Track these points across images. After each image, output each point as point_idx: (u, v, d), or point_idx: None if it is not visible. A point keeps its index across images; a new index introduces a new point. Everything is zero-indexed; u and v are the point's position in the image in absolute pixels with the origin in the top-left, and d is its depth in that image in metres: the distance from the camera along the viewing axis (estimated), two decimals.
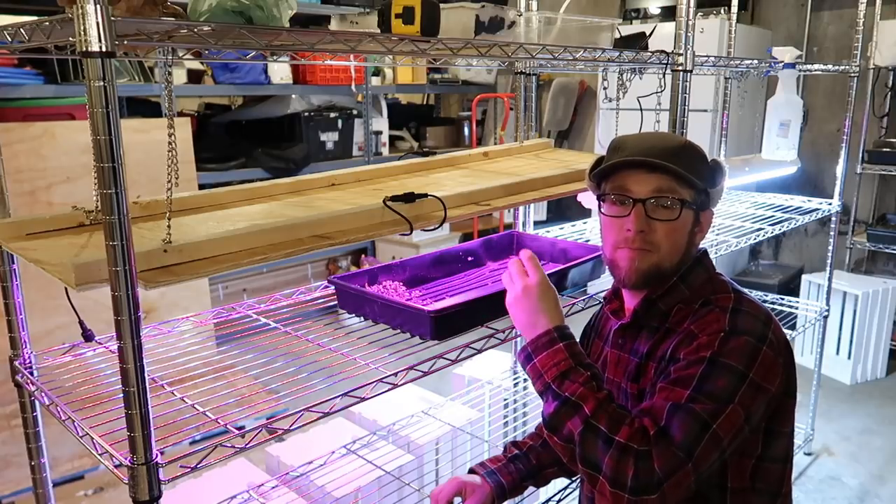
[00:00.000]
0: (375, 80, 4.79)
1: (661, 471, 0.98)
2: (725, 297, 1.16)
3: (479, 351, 1.30)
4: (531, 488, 1.46)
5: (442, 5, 1.26)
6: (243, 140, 4.36)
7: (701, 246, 1.25)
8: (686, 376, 1.05)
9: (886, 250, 4.03)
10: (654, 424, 1.02)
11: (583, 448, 1.02)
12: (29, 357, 1.32)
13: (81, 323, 1.29)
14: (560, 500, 1.71)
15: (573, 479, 1.56)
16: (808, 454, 3.03)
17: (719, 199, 1.25)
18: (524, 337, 1.17)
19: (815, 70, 2.84)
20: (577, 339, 1.38)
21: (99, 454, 1.00)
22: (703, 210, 1.21)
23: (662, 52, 1.62)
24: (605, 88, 2.00)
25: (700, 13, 4.17)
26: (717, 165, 1.22)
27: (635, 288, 1.21)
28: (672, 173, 1.14)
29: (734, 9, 3.04)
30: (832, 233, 2.95)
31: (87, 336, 1.32)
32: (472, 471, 1.42)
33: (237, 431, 1.00)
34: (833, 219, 2.92)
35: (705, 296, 1.18)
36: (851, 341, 3.72)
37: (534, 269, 1.18)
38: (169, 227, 1.02)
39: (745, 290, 1.21)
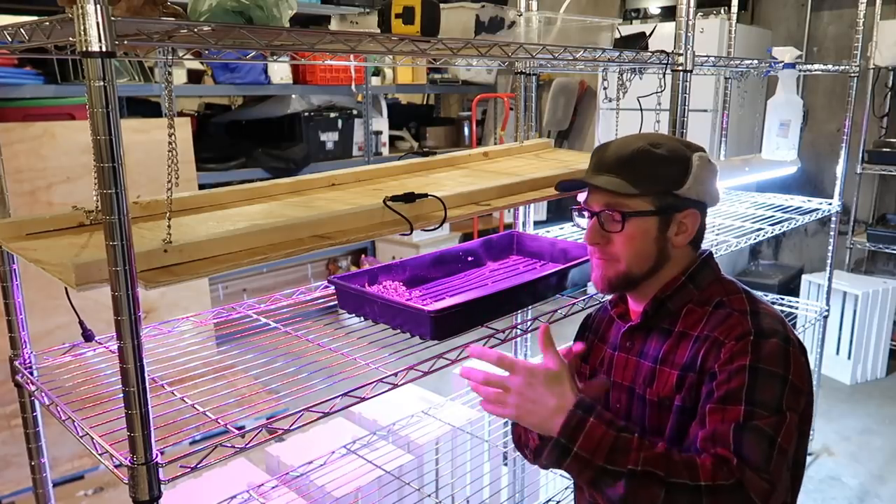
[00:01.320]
0: (375, 80, 4.79)
1: (758, 498, 0.95)
2: (738, 299, 1.15)
3: None
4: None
5: (442, 5, 1.26)
6: (243, 140, 4.36)
7: (704, 248, 1.24)
8: (733, 391, 1.03)
9: (886, 250, 4.03)
10: (728, 451, 0.98)
11: None
12: (29, 357, 1.32)
13: (81, 323, 1.29)
14: (560, 501, 1.71)
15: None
16: (809, 454, 3.03)
17: (707, 194, 1.19)
18: (547, 435, 1.04)
19: (815, 70, 2.84)
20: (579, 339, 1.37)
21: (99, 454, 1.00)
22: (678, 211, 1.16)
23: (662, 52, 1.62)
24: (605, 88, 1.99)
25: (700, 13, 4.17)
26: (678, 164, 1.15)
27: (606, 293, 1.24)
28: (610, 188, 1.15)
29: (734, 9, 3.05)
30: (832, 233, 2.95)
31: (88, 336, 1.32)
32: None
33: (237, 431, 1.00)
34: (833, 219, 2.92)
35: (716, 297, 1.16)
36: (851, 341, 3.72)
37: (509, 364, 1.08)
38: (169, 227, 1.02)
39: (754, 291, 1.21)
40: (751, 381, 1.03)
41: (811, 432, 3.02)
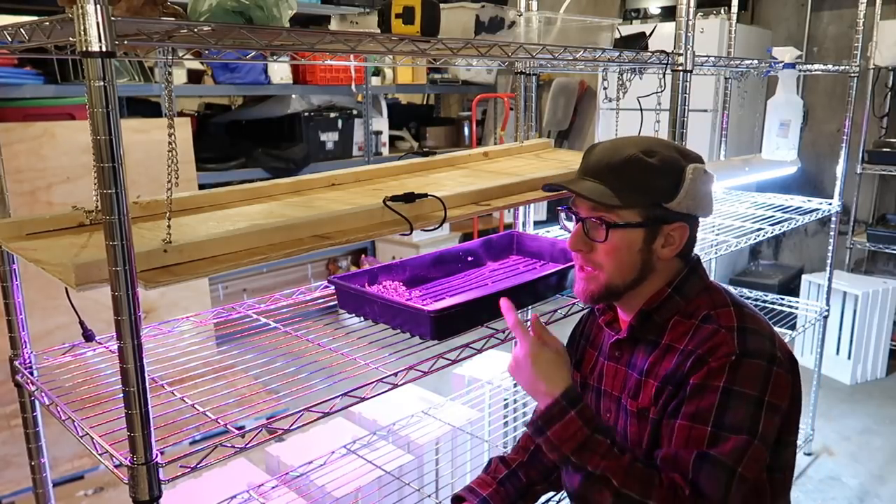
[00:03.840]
0: (375, 80, 4.79)
1: None
2: (726, 313, 1.12)
3: (479, 351, 1.30)
4: None
5: (442, 5, 1.26)
6: (243, 140, 4.36)
7: (695, 253, 1.21)
8: (703, 409, 1.03)
9: (886, 250, 4.03)
10: (684, 480, 1.00)
11: None
12: (29, 357, 1.32)
13: (82, 323, 1.29)
14: (560, 501, 1.71)
15: (561, 491, 1.54)
16: (808, 454, 3.03)
17: (699, 207, 1.15)
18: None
19: (815, 70, 2.84)
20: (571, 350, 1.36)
21: (99, 454, 1.00)
22: (667, 223, 1.13)
23: (662, 52, 1.62)
24: (605, 88, 2.00)
25: (700, 13, 4.17)
26: (670, 176, 1.12)
27: (589, 305, 1.26)
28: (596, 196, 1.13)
29: (734, 9, 3.05)
30: (832, 233, 2.95)
31: (88, 336, 1.32)
32: (459, 498, 1.35)
33: (237, 431, 1.00)
34: (833, 219, 2.92)
35: (704, 309, 1.13)
36: (851, 341, 3.72)
37: (520, 336, 1.18)
38: (169, 227, 1.02)
39: (742, 300, 1.18)
40: (721, 402, 1.03)
41: (811, 433, 3.04)
